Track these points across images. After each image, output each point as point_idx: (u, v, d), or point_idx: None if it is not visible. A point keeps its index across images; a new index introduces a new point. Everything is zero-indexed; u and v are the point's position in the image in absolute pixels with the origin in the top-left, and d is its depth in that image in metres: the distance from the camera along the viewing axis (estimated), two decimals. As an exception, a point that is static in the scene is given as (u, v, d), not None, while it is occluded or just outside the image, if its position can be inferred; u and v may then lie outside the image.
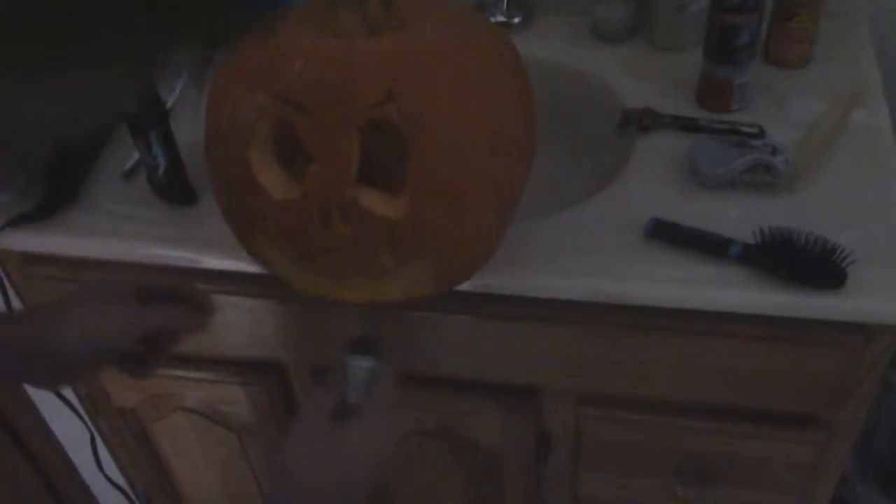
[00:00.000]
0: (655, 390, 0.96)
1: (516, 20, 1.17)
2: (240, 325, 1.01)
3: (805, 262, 0.84)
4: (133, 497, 1.47)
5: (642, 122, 1.01)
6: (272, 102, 0.71)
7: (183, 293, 0.79)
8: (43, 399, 1.41)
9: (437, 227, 0.75)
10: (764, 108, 1.02)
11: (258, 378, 1.09)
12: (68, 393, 1.25)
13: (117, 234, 0.96)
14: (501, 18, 1.16)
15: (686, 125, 1.00)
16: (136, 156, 1.01)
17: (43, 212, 0.97)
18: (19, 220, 0.97)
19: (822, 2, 1.03)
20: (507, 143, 0.77)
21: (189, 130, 0.95)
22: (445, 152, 0.72)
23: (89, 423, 1.28)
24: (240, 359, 1.08)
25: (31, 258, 1.02)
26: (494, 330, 0.95)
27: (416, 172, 0.72)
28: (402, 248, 0.75)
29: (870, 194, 0.91)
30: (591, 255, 0.88)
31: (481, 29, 0.80)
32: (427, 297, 0.80)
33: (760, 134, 0.97)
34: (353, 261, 0.76)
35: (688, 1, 1.06)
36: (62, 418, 1.31)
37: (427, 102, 0.71)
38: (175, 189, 0.97)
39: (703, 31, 1.03)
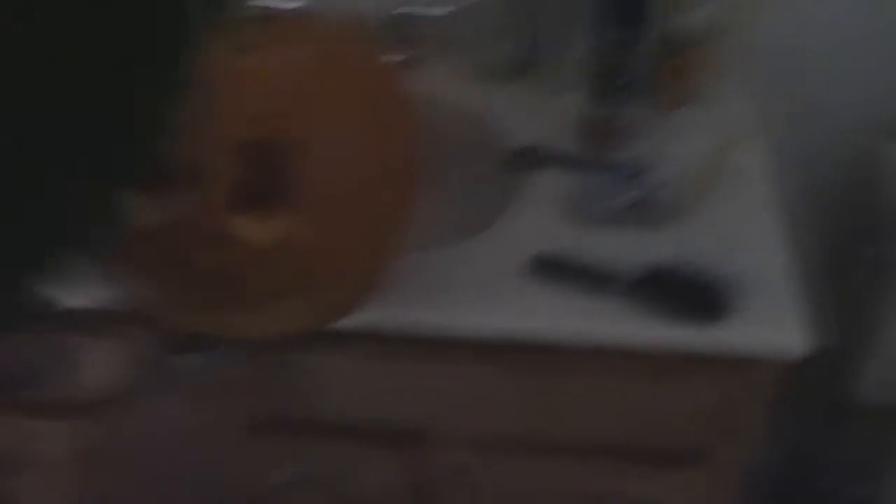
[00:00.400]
0: (545, 431, 0.94)
1: (404, 55, 1.16)
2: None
3: (688, 294, 0.84)
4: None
5: (529, 160, 1.01)
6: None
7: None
8: None
9: (313, 258, 0.72)
10: (648, 146, 1.03)
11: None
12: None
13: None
14: (389, 53, 1.16)
15: (572, 163, 1.00)
16: None
17: None
18: None
19: (704, 44, 1.05)
20: (392, 172, 0.75)
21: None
22: (325, 177, 0.69)
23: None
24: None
25: None
26: (377, 371, 0.92)
27: (294, 198, 0.69)
28: (277, 278, 0.72)
29: (749, 229, 0.92)
30: (477, 291, 0.87)
31: (368, 56, 0.78)
32: (304, 332, 0.77)
33: (644, 171, 0.98)
34: (223, 292, 0.72)
35: (575, 41, 1.08)
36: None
37: (307, 123, 0.69)
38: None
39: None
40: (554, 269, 0.87)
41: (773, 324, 0.83)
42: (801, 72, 1.16)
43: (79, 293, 0.83)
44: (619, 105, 0.99)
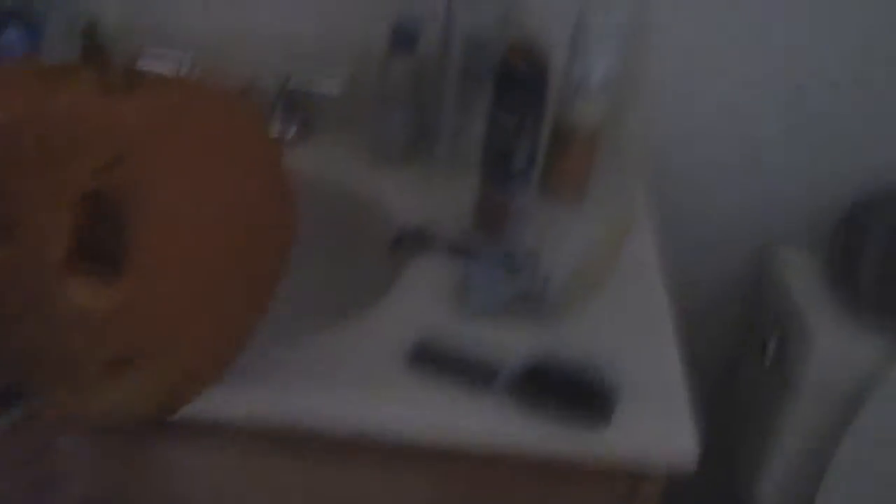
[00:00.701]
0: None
1: (291, 133, 1.10)
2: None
3: (572, 394, 0.78)
4: None
5: (414, 243, 0.95)
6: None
7: None
8: None
9: (157, 326, 0.63)
10: (538, 236, 0.99)
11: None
12: None
13: None
14: (275, 129, 1.10)
15: (459, 248, 0.95)
16: None
17: None
18: None
19: (597, 135, 1.03)
20: (256, 238, 0.68)
21: None
22: (175, 236, 0.62)
23: None
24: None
25: None
26: (227, 468, 0.83)
27: (136, 254, 0.61)
28: (115, 350, 0.63)
29: (637, 327, 0.88)
30: (348, 380, 0.79)
31: (240, 119, 0.72)
32: (143, 416, 0.68)
33: (533, 261, 0.93)
34: (52, 365, 0.62)
35: (467, 124, 1.04)
36: None
37: (160, 176, 0.61)
38: None
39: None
40: (433, 361, 0.81)
41: (661, 429, 0.78)
42: (693, 168, 1.15)
43: None
44: (512, 189, 0.95)
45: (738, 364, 1.24)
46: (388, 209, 1.02)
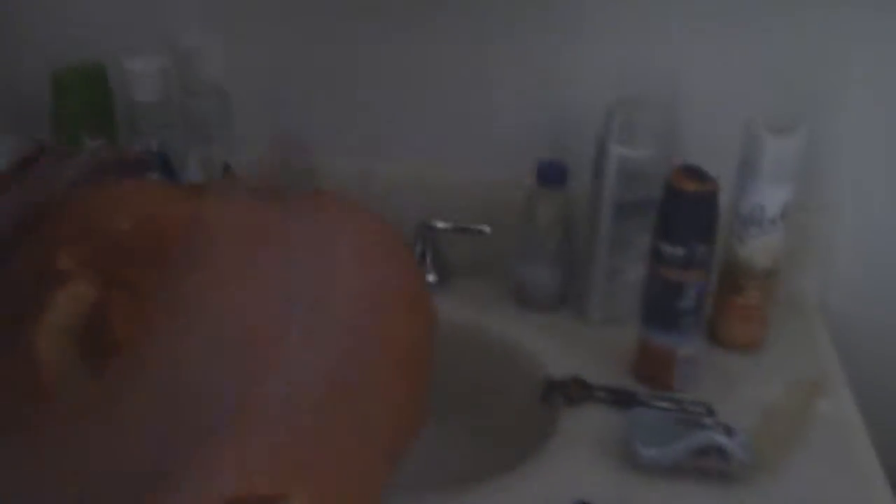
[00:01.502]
0: None
1: (430, 278, 1.03)
2: None
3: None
4: None
5: (569, 393, 0.84)
6: (80, 268, 0.52)
7: None
8: None
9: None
10: (711, 389, 0.86)
11: None
12: None
13: None
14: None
15: (621, 399, 0.83)
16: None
17: None
18: None
19: (773, 278, 0.91)
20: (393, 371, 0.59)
21: None
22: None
23: None
24: None
25: None
26: None
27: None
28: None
29: (848, 489, 0.73)
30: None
31: (386, 235, 0.65)
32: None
33: (709, 413, 0.81)
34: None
35: (623, 266, 0.94)
36: None
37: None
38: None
39: (637, 308, 0.90)
40: (600, 524, 0.68)
41: None
42: (881, 315, 1.01)
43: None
44: (679, 332, 0.83)
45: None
46: (537, 358, 0.91)
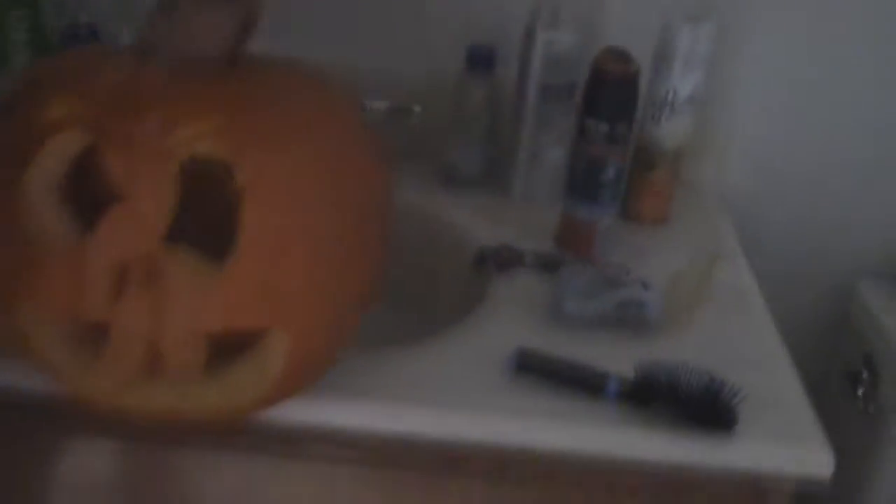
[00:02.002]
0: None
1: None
2: None
3: (690, 400, 0.73)
4: None
5: (499, 259, 0.91)
6: (78, 107, 0.55)
7: None
8: None
9: (266, 302, 0.58)
10: (625, 258, 0.94)
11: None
12: None
13: None
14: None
15: (547, 263, 0.90)
16: None
17: None
18: None
19: (680, 160, 1.00)
20: (360, 216, 0.64)
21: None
22: (283, 207, 0.58)
23: None
24: None
25: None
26: (333, 476, 0.76)
27: (247, 233, 0.56)
28: (220, 324, 0.58)
29: (747, 343, 0.83)
30: (448, 390, 0.74)
31: (332, 92, 0.68)
32: (253, 406, 0.62)
33: (626, 276, 0.89)
34: (150, 338, 0.57)
35: (545, 147, 1.01)
36: None
37: (258, 150, 0.57)
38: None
39: (558, 186, 0.98)
40: (537, 367, 0.75)
41: (782, 438, 0.72)
42: (775, 198, 1.12)
43: None
44: (600, 205, 0.91)
45: (826, 399, 1.17)
46: (468, 231, 0.98)
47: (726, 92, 1.07)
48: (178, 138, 0.55)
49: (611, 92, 0.87)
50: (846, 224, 1.13)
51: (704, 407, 0.72)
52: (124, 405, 0.61)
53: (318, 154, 0.60)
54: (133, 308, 0.55)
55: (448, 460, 0.75)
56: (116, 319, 0.56)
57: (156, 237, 0.55)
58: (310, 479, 0.77)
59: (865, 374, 1.06)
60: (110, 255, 0.55)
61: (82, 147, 0.56)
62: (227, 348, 0.59)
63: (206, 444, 0.76)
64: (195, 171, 0.57)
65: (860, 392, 1.07)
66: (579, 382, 0.74)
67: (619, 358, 0.76)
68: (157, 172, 0.55)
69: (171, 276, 0.56)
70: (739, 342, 0.83)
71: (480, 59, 1.00)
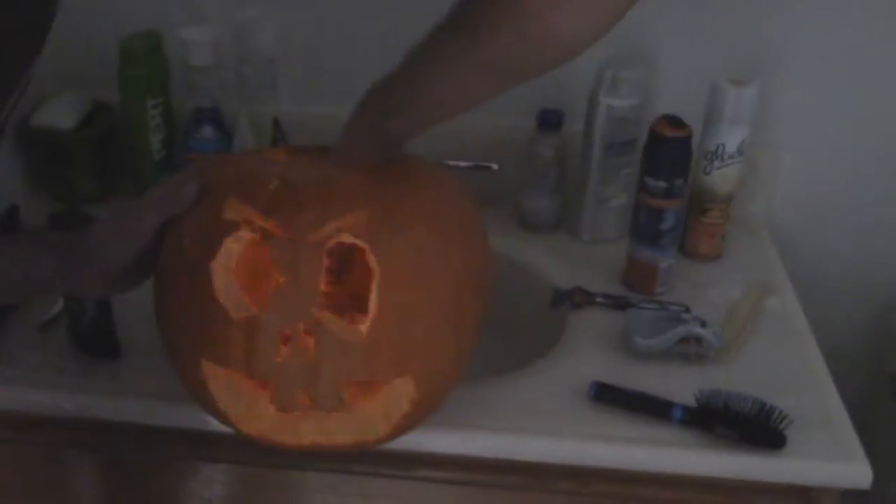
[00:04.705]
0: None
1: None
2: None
3: (745, 423, 0.85)
4: None
5: (574, 299, 1.05)
6: (246, 212, 0.70)
7: None
8: None
9: (398, 353, 0.73)
10: (684, 291, 1.07)
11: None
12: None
13: (32, 384, 0.89)
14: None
15: (616, 303, 1.04)
16: (56, 306, 0.96)
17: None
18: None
19: (730, 203, 1.12)
20: (470, 280, 0.78)
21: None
22: (410, 279, 0.72)
23: None
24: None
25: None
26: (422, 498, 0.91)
27: (381, 298, 0.71)
28: (360, 371, 0.73)
29: (794, 366, 0.96)
30: (536, 416, 0.88)
31: (449, 185, 0.83)
32: (380, 440, 0.77)
33: (687, 311, 1.02)
34: (306, 387, 0.72)
35: (609, 196, 1.14)
36: None
37: (390, 234, 0.72)
38: (100, 340, 0.91)
39: (622, 226, 1.11)
40: (613, 397, 0.89)
41: (829, 454, 0.84)
42: (817, 231, 1.24)
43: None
44: (661, 249, 1.04)
45: (872, 406, 1.28)
46: (543, 272, 1.11)
47: (773, 137, 1.19)
48: (326, 232, 0.70)
49: (667, 153, 1.01)
50: (887, 249, 1.24)
51: (757, 429, 0.85)
52: (278, 440, 0.76)
53: (437, 236, 0.74)
54: (293, 364, 0.71)
55: (534, 479, 0.89)
56: (281, 374, 0.71)
57: (312, 308, 0.70)
58: (416, 499, 0.92)
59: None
60: (277, 324, 0.70)
61: (250, 240, 0.71)
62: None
63: (326, 468, 0.91)
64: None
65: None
66: (649, 410, 0.88)
67: (681, 386, 0.89)
68: (310, 258, 0.70)
69: (324, 340, 0.71)
70: (786, 367, 0.96)
71: (550, 120, 1.14)
